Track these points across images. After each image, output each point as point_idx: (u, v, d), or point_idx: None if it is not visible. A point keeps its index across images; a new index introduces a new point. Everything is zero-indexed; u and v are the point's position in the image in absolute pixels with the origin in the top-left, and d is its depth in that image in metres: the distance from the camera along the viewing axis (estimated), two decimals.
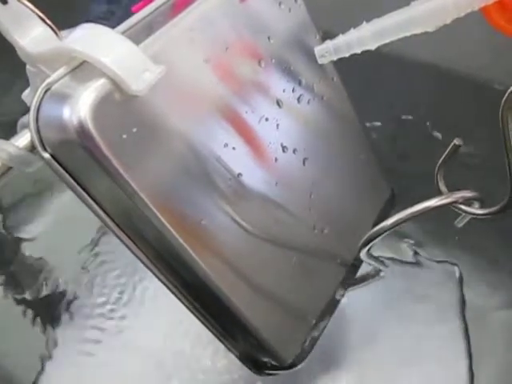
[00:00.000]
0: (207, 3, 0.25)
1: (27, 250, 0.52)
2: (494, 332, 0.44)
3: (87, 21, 0.22)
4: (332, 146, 0.33)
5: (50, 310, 0.48)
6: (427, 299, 0.46)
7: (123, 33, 0.23)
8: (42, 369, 0.45)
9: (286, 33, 0.29)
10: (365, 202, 0.36)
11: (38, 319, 0.48)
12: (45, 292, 0.49)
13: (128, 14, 0.25)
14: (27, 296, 0.49)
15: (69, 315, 0.48)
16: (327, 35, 0.30)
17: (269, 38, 0.28)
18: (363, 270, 0.36)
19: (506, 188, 0.25)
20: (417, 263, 0.49)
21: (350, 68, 0.32)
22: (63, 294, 0.49)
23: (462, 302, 0.46)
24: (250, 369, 0.31)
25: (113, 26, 0.22)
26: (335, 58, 0.29)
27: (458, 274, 0.48)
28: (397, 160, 0.51)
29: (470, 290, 0.47)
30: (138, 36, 0.23)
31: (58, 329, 0.47)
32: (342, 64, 0.31)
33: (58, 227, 0.54)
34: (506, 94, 0.22)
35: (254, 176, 0.27)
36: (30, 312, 0.48)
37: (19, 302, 0.49)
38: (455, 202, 0.26)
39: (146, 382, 0.45)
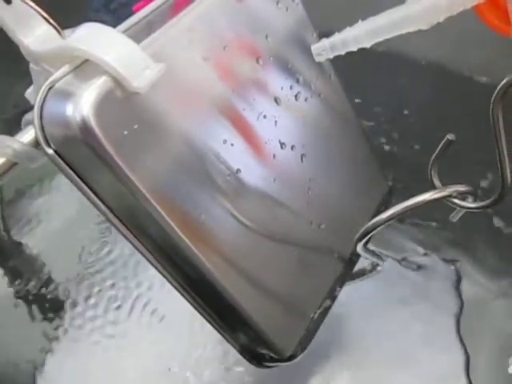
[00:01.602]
0: (206, 3, 0.25)
1: (27, 246, 0.52)
2: (493, 331, 0.44)
3: (89, 20, 0.22)
4: (330, 142, 0.33)
5: (49, 307, 0.48)
6: (426, 298, 0.47)
7: (124, 32, 0.24)
8: (41, 366, 0.45)
9: (284, 31, 0.30)
10: (362, 198, 0.36)
11: (38, 317, 0.48)
12: (44, 289, 0.50)
13: (129, 14, 0.25)
14: (27, 293, 0.49)
15: (69, 313, 0.48)
16: (325, 33, 0.30)
17: (266, 36, 0.28)
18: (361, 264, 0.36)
19: (498, 182, 0.26)
20: (415, 261, 0.49)
21: (347, 66, 0.32)
22: (64, 292, 0.50)
23: (461, 301, 0.46)
24: (249, 361, 0.31)
25: (114, 26, 0.23)
26: (331, 56, 0.29)
27: (456, 272, 0.48)
28: (394, 156, 0.51)
29: (469, 289, 0.47)
30: (138, 35, 0.23)
31: (58, 327, 0.47)
32: (339, 62, 0.31)
33: (61, 224, 0.54)
34: (496, 91, 0.22)
35: (252, 172, 0.27)
36: (29, 309, 0.48)
37: (19, 298, 0.49)
38: (449, 196, 0.27)
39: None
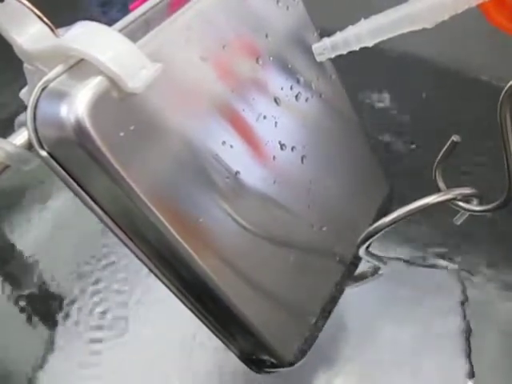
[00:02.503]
0: (204, 1, 0.25)
1: (24, 249, 0.52)
2: (495, 332, 0.44)
3: (83, 18, 0.21)
4: (331, 143, 0.33)
5: (47, 310, 0.48)
6: (427, 298, 0.46)
7: (120, 30, 0.23)
8: (39, 368, 0.45)
9: (284, 30, 0.29)
10: (364, 200, 0.36)
11: (35, 320, 0.48)
12: (42, 293, 0.49)
13: (125, 12, 0.25)
14: (24, 296, 0.49)
15: (67, 316, 0.48)
16: (326, 33, 0.30)
17: (266, 35, 0.28)
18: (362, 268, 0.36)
19: (504, 185, 0.25)
20: (417, 262, 0.49)
21: (348, 66, 0.32)
22: (61, 294, 0.49)
23: (462, 302, 0.46)
24: (249, 367, 0.31)
25: (110, 24, 0.22)
26: (333, 56, 0.29)
27: (458, 273, 0.48)
28: (395, 158, 0.51)
29: (470, 289, 0.47)
30: (134, 34, 0.23)
31: (56, 330, 0.47)
32: (340, 61, 0.31)
33: (57, 226, 0.54)
34: (504, 90, 0.22)
35: (251, 174, 0.27)
36: (26, 313, 0.48)
37: (16, 302, 0.49)
38: (454, 198, 0.26)
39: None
